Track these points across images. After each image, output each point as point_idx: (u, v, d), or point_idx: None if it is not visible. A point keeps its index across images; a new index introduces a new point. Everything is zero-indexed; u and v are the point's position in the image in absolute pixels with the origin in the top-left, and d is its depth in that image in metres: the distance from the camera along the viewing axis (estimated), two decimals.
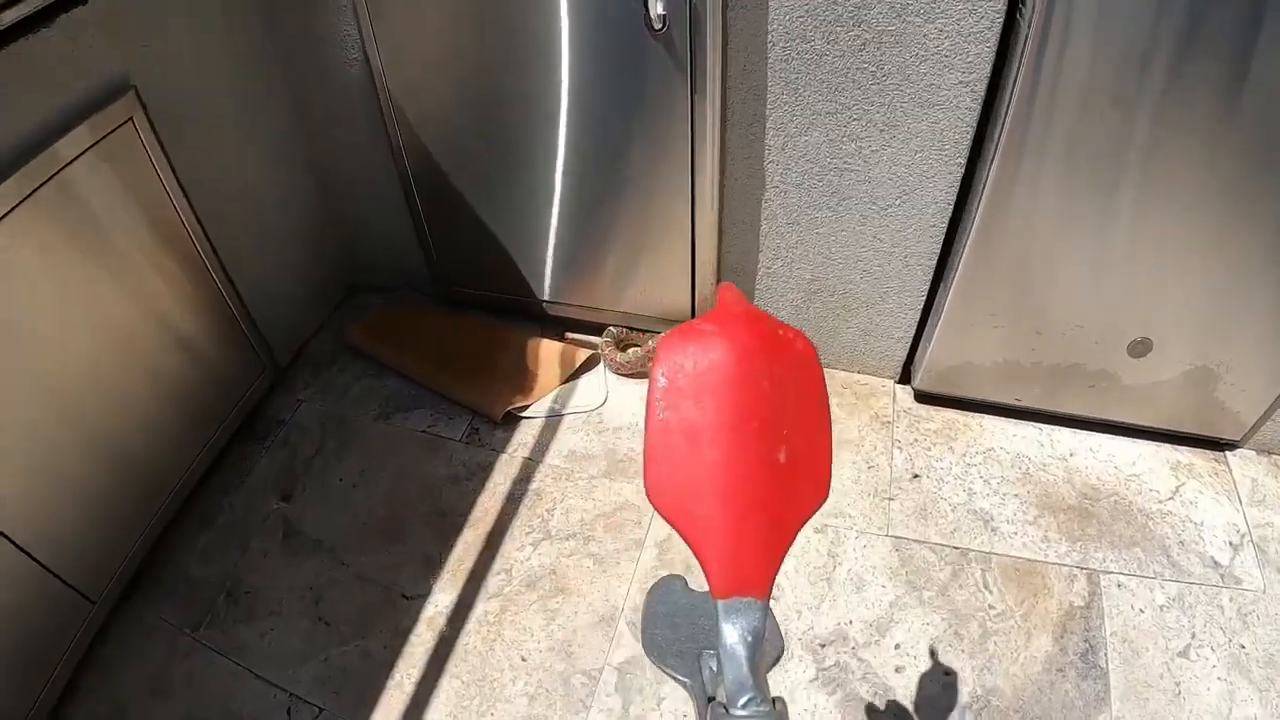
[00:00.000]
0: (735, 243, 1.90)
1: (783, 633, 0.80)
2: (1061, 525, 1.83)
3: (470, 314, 2.28)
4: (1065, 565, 1.76)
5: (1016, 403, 1.99)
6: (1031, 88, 1.43)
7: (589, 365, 2.13)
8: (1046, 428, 2.03)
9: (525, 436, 2.02)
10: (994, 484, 1.90)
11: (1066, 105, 1.44)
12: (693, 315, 2.06)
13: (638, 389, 2.11)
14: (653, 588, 0.72)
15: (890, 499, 1.86)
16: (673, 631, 0.66)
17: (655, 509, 0.56)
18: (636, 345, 2.12)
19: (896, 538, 1.80)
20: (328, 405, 2.09)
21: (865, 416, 2.03)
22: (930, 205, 1.70)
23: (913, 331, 1.96)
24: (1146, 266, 1.67)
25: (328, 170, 2.07)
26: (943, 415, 2.04)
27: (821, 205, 1.76)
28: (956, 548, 1.78)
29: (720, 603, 0.53)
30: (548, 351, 2.14)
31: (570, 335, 2.25)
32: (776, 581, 1.70)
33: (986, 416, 2.04)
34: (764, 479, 0.55)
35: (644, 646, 0.68)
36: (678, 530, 0.56)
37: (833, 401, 2.02)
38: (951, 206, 1.70)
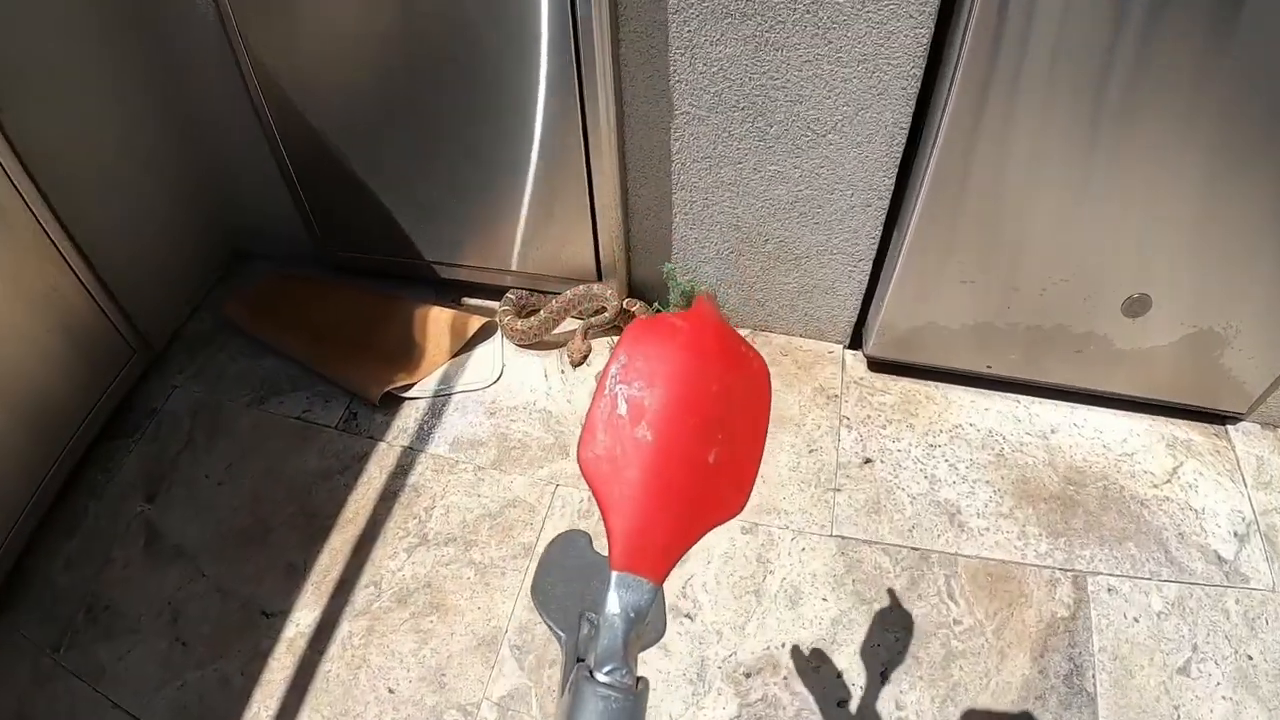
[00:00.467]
0: (643, 185, 1.58)
1: (668, 618, 0.84)
2: (1042, 518, 1.54)
3: (358, 282, 1.96)
4: (1046, 567, 1.47)
5: (988, 370, 1.69)
6: None
7: (484, 335, 1.81)
8: (1025, 400, 1.73)
9: (407, 421, 1.71)
10: (961, 469, 1.60)
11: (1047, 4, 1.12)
12: (598, 274, 1.76)
13: (537, 362, 1.80)
14: (556, 537, 0.72)
15: (836, 490, 1.56)
16: (563, 584, 0.67)
17: (581, 471, 0.58)
18: (538, 310, 1.80)
19: (842, 538, 1.49)
20: (202, 391, 1.79)
21: (808, 389, 1.72)
22: (879, 129, 1.38)
23: (864, 287, 1.65)
24: (1142, 207, 1.35)
25: (190, 129, 1.75)
26: (900, 386, 1.74)
27: (745, 134, 1.43)
28: (916, 549, 1.48)
29: (615, 574, 0.55)
30: (437, 321, 1.81)
31: (468, 301, 1.93)
32: (694, 597, 1.38)
33: (953, 387, 1.74)
34: (689, 472, 0.57)
35: (531, 590, 0.70)
36: (596, 497, 0.57)
37: (771, 370, 1.73)
38: (906, 130, 1.38)
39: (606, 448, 0.57)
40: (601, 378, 0.59)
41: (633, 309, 1.79)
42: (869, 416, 1.68)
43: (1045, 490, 1.58)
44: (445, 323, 1.80)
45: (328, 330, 1.83)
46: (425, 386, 1.74)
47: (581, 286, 1.75)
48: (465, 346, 1.79)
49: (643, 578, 0.55)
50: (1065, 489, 1.59)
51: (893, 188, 1.46)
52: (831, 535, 1.50)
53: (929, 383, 1.74)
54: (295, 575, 1.48)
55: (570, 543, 0.69)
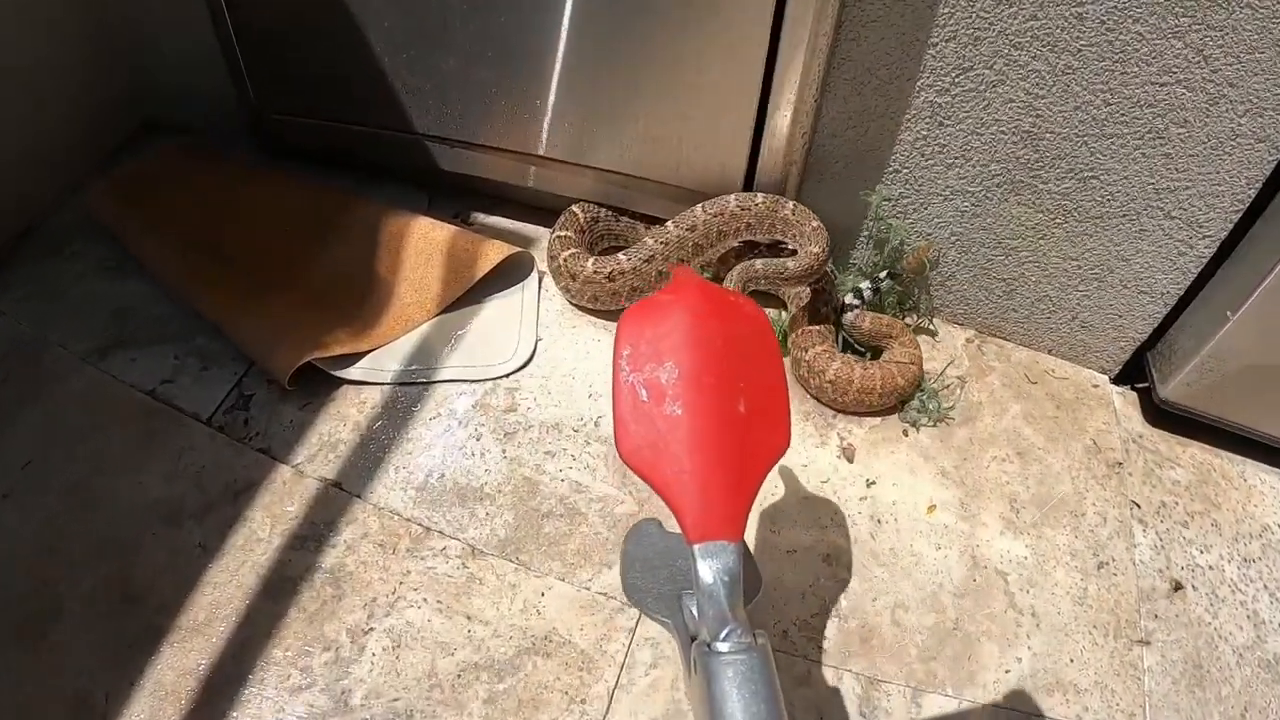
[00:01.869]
0: (847, 112, 0.91)
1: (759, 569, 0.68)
2: None
3: (302, 174, 1.16)
4: None
5: None
6: None
7: (509, 277, 1.04)
8: None
9: (337, 428, 0.94)
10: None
11: None
12: (749, 187, 0.99)
13: (593, 333, 1.04)
14: (629, 533, 0.70)
15: (1143, 643, 0.86)
16: (651, 574, 0.67)
17: (628, 466, 0.56)
18: (624, 244, 1.06)
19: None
20: (27, 323, 1.02)
21: (1078, 448, 1.01)
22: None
23: (1175, 296, 0.96)
24: None
25: None
26: (1190, 454, 1.04)
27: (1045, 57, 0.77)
28: None
29: (695, 546, 0.54)
30: (425, 243, 1.03)
31: (479, 218, 1.15)
32: None
33: (1248, 462, 1.05)
34: (726, 428, 0.57)
35: (624, 590, 0.66)
36: (651, 484, 0.56)
37: (1018, 405, 1.07)
38: None
39: (643, 436, 0.56)
40: (614, 372, 0.58)
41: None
42: (1163, 505, 0.98)
43: None
44: (439, 248, 1.02)
45: (234, 246, 1.06)
46: (384, 362, 0.96)
47: (727, 199, 0.98)
48: (468, 295, 1.01)
49: (722, 541, 0.54)
50: None
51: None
52: None
53: (1234, 456, 1.05)
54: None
55: (642, 534, 0.69)
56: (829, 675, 0.81)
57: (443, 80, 1.00)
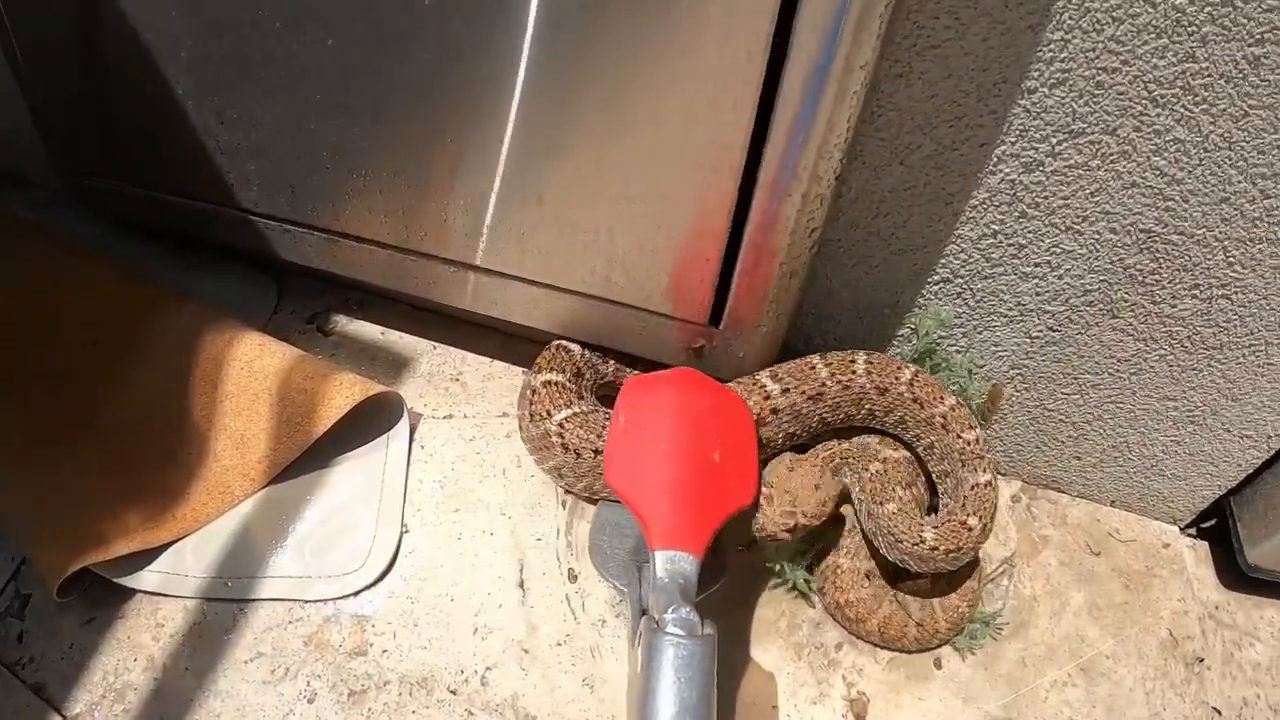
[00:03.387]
0: (879, 191, 0.64)
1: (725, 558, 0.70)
2: None
3: (110, 251, 0.84)
4: None
5: None
6: None
7: (373, 422, 0.72)
8: None
9: (125, 663, 0.63)
10: None
11: None
12: (712, 317, 0.67)
13: (487, 520, 0.72)
14: (606, 499, 0.72)
15: None
16: (619, 540, 0.69)
17: (612, 490, 0.60)
18: (585, 389, 0.77)
19: None
20: None
21: (1151, 644, 0.76)
22: None
23: (1260, 448, 0.73)
24: None
25: None
26: (1268, 618, 0.81)
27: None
28: None
29: (656, 553, 0.56)
30: (247, 378, 0.70)
31: (342, 324, 0.83)
32: None
33: None
34: (699, 465, 0.62)
35: (589, 551, 0.70)
36: (627, 501, 0.60)
37: (1073, 573, 0.82)
38: None
39: (627, 465, 0.61)
40: (615, 415, 0.64)
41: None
42: (1245, 701, 0.75)
43: None
44: (268, 384, 0.69)
45: (25, 358, 0.75)
46: (188, 562, 0.63)
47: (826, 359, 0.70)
48: (310, 452, 0.68)
49: (683, 551, 0.56)
50: None
51: None
52: None
53: None
54: None
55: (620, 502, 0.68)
56: None
57: (264, 137, 0.68)
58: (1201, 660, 0.77)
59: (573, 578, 0.69)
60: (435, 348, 0.84)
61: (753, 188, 0.57)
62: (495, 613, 0.66)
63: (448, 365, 0.84)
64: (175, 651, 0.62)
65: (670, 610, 0.53)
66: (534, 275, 0.68)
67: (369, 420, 0.72)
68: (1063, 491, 0.82)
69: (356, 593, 0.65)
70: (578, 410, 0.70)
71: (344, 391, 0.68)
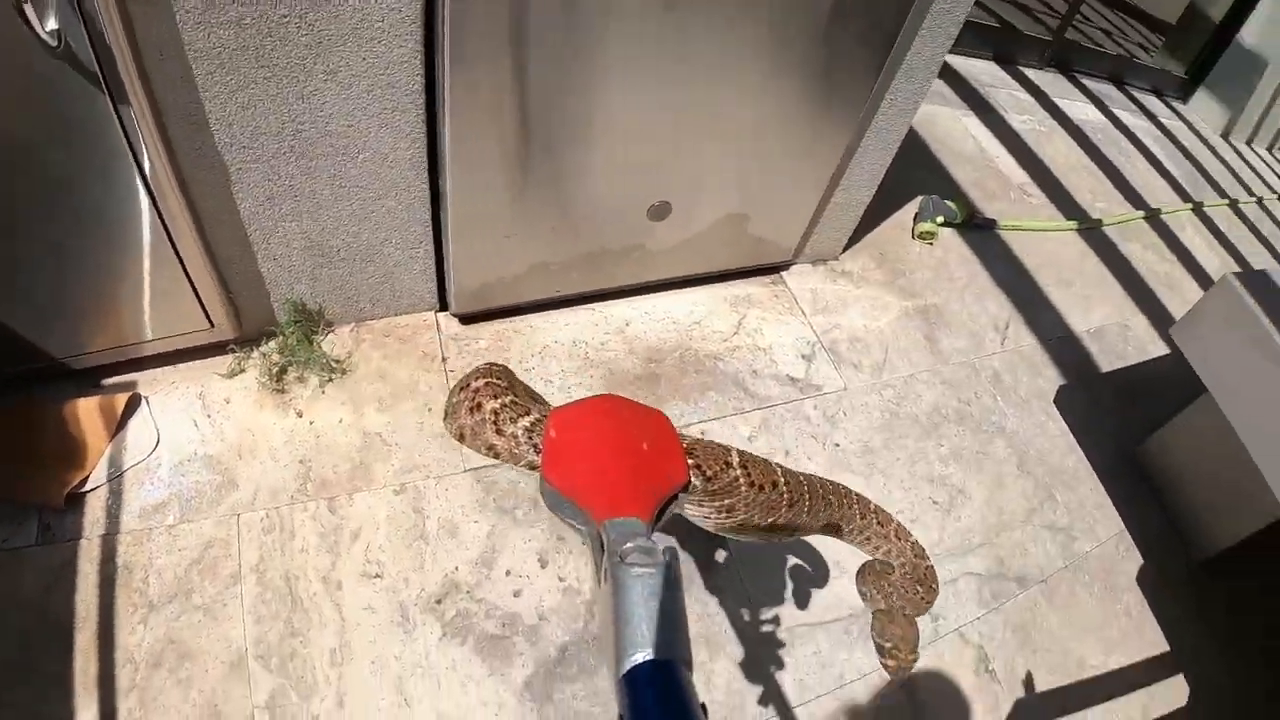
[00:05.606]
0: (223, 238, 1.69)
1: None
2: (632, 397, 2.07)
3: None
4: None
5: (559, 294, 2.03)
6: None
7: (131, 408, 2.01)
8: (598, 306, 2.08)
9: (96, 512, 1.87)
10: (557, 378, 1.95)
11: None
12: (237, 325, 1.81)
13: (183, 413, 1.83)
14: None
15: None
16: None
17: (556, 488, 0.70)
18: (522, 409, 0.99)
19: (474, 469, 1.78)
20: None
21: (413, 359, 1.94)
22: (402, 140, 1.64)
23: (433, 262, 1.89)
24: (645, 142, 1.74)
25: None
26: (491, 329, 2.02)
27: (292, 173, 1.62)
28: None
29: (605, 522, 0.64)
30: (86, 410, 1.98)
31: (107, 381, 2.10)
32: (376, 559, 1.66)
33: (534, 316, 2.05)
34: (632, 452, 0.72)
35: (540, 493, 0.76)
36: (569, 493, 0.70)
37: (376, 354, 1.85)
38: (424, 137, 1.64)
39: (563, 466, 0.71)
40: (545, 433, 0.75)
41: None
42: (470, 363, 1.93)
43: (630, 374, 1.95)
44: (93, 409, 1.95)
45: None
46: (99, 475, 1.94)
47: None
48: (120, 425, 1.98)
49: (631, 516, 0.65)
50: (647, 367, 1.96)
51: (428, 181, 1.71)
52: (466, 471, 1.76)
53: (514, 318, 2.03)
54: (64, 684, 1.48)
55: None
56: None
57: (52, 325, 1.71)
58: (439, 356, 1.94)
59: None
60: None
61: None
62: (204, 435, 1.89)
63: None
64: (114, 496, 1.88)
65: (629, 545, 0.59)
66: None
67: (132, 405, 1.79)
68: (373, 318, 1.96)
69: (151, 454, 1.83)
70: (512, 399, 0.89)
71: (119, 399, 1.79)
